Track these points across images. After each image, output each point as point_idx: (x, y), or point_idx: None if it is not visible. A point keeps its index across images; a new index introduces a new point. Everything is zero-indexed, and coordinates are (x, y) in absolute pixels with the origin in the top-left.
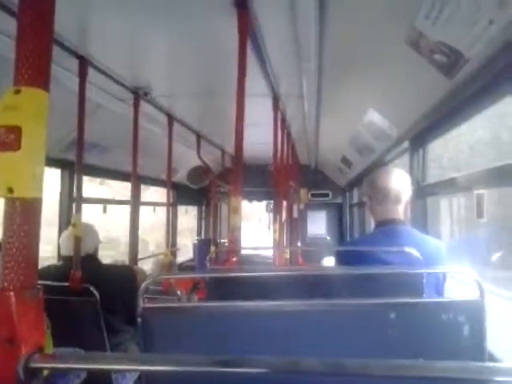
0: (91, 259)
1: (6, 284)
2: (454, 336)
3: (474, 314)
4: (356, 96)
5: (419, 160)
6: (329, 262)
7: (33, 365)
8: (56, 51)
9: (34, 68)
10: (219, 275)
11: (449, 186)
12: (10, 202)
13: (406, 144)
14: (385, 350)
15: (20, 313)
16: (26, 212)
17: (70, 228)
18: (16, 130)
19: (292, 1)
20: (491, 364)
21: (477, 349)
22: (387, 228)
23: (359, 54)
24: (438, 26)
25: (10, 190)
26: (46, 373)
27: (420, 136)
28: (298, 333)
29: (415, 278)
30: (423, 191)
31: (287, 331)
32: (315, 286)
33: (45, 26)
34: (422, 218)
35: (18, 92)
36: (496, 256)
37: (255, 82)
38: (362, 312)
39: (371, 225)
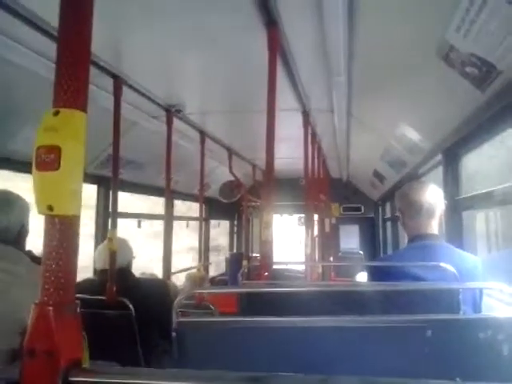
0: (125, 273)
1: (45, 298)
2: (493, 355)
3: None
4: (387, 109)
5: (453, 173)
6: (362, 277)
7: (72, 378)
8: (92, 71)
9: (72, 89)
10: (251, 290)
11: (484, 199)
12: (50, 220)
13: (439, 157)
14: (420, 369)
15: (59, 327)
16: (64, 229)
17: (104, 242)
18: (55, 150)
19: (321, 16)
20: None
21: None
22: (421, 243)
23: (389, 67)
24: (470, 38)
25: (50, 208)
26: None
27: (453, 149)
28: (330, 349)
29: (451, 294)
30: (458, 205)
31: (319, 347)
32: (348, 301)
33: (83, 49)
34: (457, 232)
35: (57, 113)
36: None
37: (285, 97)
38: (396, 329)
39: (405, 240)
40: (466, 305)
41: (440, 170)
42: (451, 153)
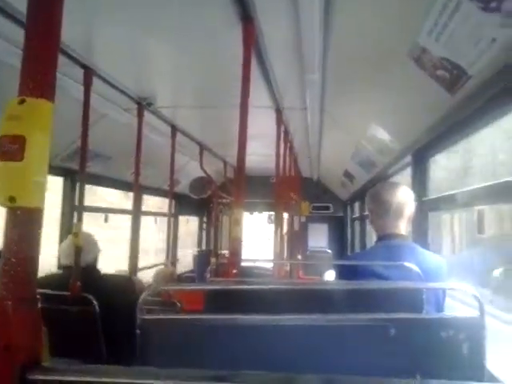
0: (91, 269)
1: (4, 293)
2: (454, 353)
3: (474, 331)
4: (359, 109)
5: (421, 174)
6: (330, 275)
7: (29, 376)
8: (61, 60)
9: (39, 78)
10: (219, 287)
11: (450, 201)
12: (11, 212)
13: (408, 158)
14: (383, 366)
15: (17, 322)
16: (27, 221)
17: (69, 237)
18: (20, 140)
19: (296, 14)
20: None
21: (476, 367)
22: (388, 243)
23: (362, 67)
24: (441, 42)
25: (12, 200)
26: None
27: (422, 150)
28: (295, 347)
29: (415, 293)
30: (425, 206)
31: (285, 345)
32: (314, 300)
33: (51, 36)
34: (423, 233)
35: (22, 102)
36: (497, 272)
37: (259, 94)
38: (361, 327)
39: (372, 239)
40: (429, 304)
41: (408, 171)
42: (420, 154)
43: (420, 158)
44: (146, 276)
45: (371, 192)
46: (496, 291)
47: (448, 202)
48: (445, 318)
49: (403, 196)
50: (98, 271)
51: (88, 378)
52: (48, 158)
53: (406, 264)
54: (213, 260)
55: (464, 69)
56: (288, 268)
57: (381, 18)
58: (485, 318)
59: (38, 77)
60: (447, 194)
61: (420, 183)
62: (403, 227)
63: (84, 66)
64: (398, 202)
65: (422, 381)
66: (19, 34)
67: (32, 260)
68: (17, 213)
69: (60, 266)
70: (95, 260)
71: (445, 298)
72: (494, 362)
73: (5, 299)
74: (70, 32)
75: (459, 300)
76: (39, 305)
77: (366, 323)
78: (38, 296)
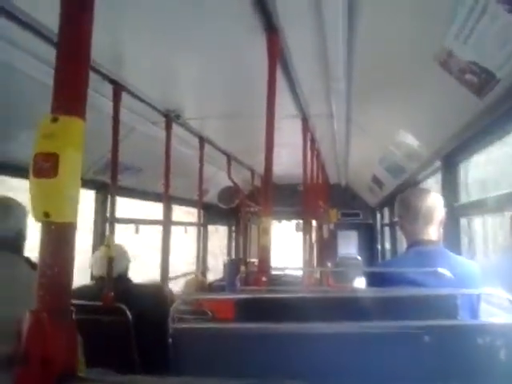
0: (123, 279)
1: (40, 305)
2: (491, 361)
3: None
4: (386, 115)
5: (451, 179)
6: (360, 283)
7: None
8: (91, 77)
9: (71, 96)
10: (249, 296)
11: (482, 206)
12: (46, 226)
13: (437, 163)
14: (418, 374)
15: (53, 333)
16: (60, 236)
17: (101, 248)
18: (53, 158)
19: (321, 23)
20: None
21: None
22: (419, 249)
23: (388, 73)
24: (468, 46)
25: (47, 215)
26: None
27: (452, 155)
28: (326, 356)
29: (448, 299)
30: (456, 211)
31: (316, 354)
32: (345, 307)
33: (82, 55)
34: (455, 238)
35: (55, 120)
36: None
37: (285, 103)
38: (394, 335)
39: (403, 246)
40: (463, 310)
41: (438, 176)
42: (450, 159)
43: (449, 163)
44: (176, 286)
45: (400, 198)
46: None
47: (479, 207)
48: (480, 324)
49: (432, 201)
50: (129, 281)
51: None
52: (80, 173)
53: (440, 270)
54: (242, 268)
55: (492, 72)
56: (318, 276)
57: (406, 23)
58: None
59: (70, 95)
60: (478, 199)
61: (450, 188)
62: (434, 233)
63: (113, 82)
64: (426, 208)
65: None
66: (51, 53)
67: (66, 273)
68: (51, 227)
69: (92, 278)
70: (126, 270)
71: (479, 304)
72: None
73: (41, 311)
74: (99, 48)
75: (497, 305)
76: (74, 316)
77: (398, 331)
78: (72, 308)
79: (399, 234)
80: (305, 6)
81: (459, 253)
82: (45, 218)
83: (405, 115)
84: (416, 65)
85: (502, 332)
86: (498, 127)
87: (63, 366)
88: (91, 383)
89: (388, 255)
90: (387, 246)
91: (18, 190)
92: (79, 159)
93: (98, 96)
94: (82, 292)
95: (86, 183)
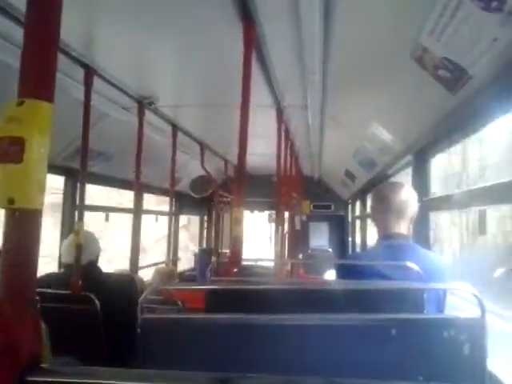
0: (92, 267)
1: (3, 294)
2: (455, 354)
3: (475, 332)
4: (360, 109)
5: (422, 174)
6: (331, 275)
7: (29, 378)
8: (61, 60)
9: (38, 79)
10: (219, 287)
11: (451, 201)
12: (11, 213)
13: (409, 158)
14: (385, 367)
15: (17, 323)
16: (26, 223)
17: (71, 236)
18: (19, 142)
19: (297, 14)
20: None
21: (477, 368)
22: (389, 242)
23: (364, 67)
24: (443, 42)
25: (11, 201)
26: None
27: (423, 150)
28: (296, 347)
29: (416, 293)
30: (426, 206)
31: (286, 345)
32: (315, 299)
33: (51, 36)
34: (425, 233)
35: (21, 104)
36: (499, 272)
37: (260, 93)
38: (362, 327)
39: (373, 238)
40: (430, 304)
41: (408, 170)
42: (421, 154)
43: (421, 158)
44: (146, 275)
45: (375, 190)
46: (497, 293)
47: (449, 202)
48: (446, 318)
49: (405, 196)
50: (99, 270)
51: (88, 380)
52: (47, 159)
53: (408, 264)
54: (214, 259)
55: (465, 69)
56: (289, 267)
57: (382, 18)
58: (486, 318)
59: (38, 78)
60: (448, 194)
61: (421, 183)
62: (405, 227)
63: (84, 66)
64: (399, 202)
65: (424, 382)
66: (19, 33)
67: (31, 261)
68: (16, 214)
69: (61, 265)
70: (96, 258)
71: (445, 298)
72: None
73: (4, 300)
74: (70, 31)
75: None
76: (39, 305)
77: (367, 323)
78: (37, 297)
79: (370, 226)
80: None
81: (428, 247)
82: (9, 204)
83: (379, 109)
84: (392, 59)
85: (467, 326)
86: (470, 123)
87: (27, 356)
88: (56, 374)
89: (358, 248)
90: (357, 238)
91: None
92: (46, 144)
93: (69, 80)
94: (50, 279)
95: (56, 169)
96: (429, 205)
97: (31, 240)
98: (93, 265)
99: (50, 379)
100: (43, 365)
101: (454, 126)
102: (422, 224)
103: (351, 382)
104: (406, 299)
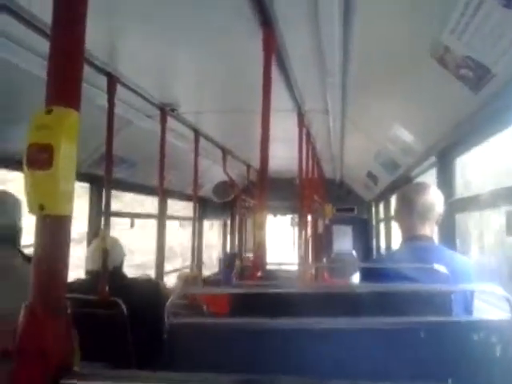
0: (117, 273)
1: (35, 299)
2: (485, 357)
3: (506, 333)
4: (381, 110)
5: (446, 175)
6: (355, 278)
7: (62, 382)
8: (85, 69)
9: (65, 88)
10: (243, 291)
11: (478, 202)
12: (41, 219)
13: (432, 159)
14: (413, 371)
15: (49, 328)
16: (56, 229)
17: (95, 242)
18: (48, 149)
19: (316, 17)
20: None
21: (509, 371)
22: (414, 244)
23: (384, 68)
24: (464, 41)
25: (42, 207)
26: None
27: (447, 150)
28: (323, 351)
29: (443, 295)
30: (451, 207)
31: (311, 349)
32: (341, 303)
33: (76, 47)
34: (450, 234)
35: (49, 112)
36: None
37: (280, 97)
38: (389, 331)
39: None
40: (457, 306)
41: (434, 172)
42: (445, 155)
43: (445, 159)
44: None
45: (399, 193)
46: None
47: (475, 203)
48: (475, 320)
49: (431, 198)
50: (124, 275)
51: (119, 383)
52: (75, 165)
53: (435, 266)
54: (238, 263)
55: (487, 67)
56: (313, 271)
57: (402, 18)
58: None
59: (64, 86)
60: (474, 194)
61: (445, 184)
62: (429, 229)
63: (107, 74)
64: (425, 205)
65: None
66: (44, 45)
67: (62, 266)
68: (46, 221)
69: (86, 272)
70: (121, 264)
71: (473, 300)
72: None
73: (36, 305)
74: (93, 40)
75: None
76: (69, 310)
77: (394, 327)
78: (68, 301)
79: (394, 229)
80: (301, 1)
81: (454, 249)
82: (40, 210)
83: (400, 110)
84: (412, 60)
85: (498, 328)
86: (493, 122)
87: (59, 360)
88: (88, 377)
89: (383, 251)
90: (382, 241)
91: (13, 182)
92: (74, 151)
93: (93, 88)
94: (76, 286)
95: (81, 176)
96: (454, 206)
97: (61, 246)
98: (118, 270)
99: (83, 383)
100: (75, 369)
101: (477, 125)
102: (447, 226)
103: None
104: (434, 301)
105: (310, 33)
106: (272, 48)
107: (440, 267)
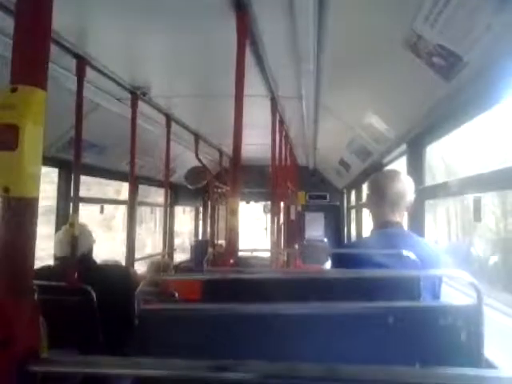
0: (86, 259)
1: (0, 286)
2: (452, 341)
3: (472, 318)
4: (354, 98)
5: (416, 163)
6: (326, 264)
7: (29, 369)
8: (54, 50)
9: (31, 66)
10: (216, 277)
11: (446, 189)
12: (6, 202)
13: (403, 147)
14: (382, 354)
15: (15, 314)
16: (22, 212)
17: (64, 228)
18: (13, 129)
19: (291, 3)
20: (489, 370)
21: (474, 355)
22: (384, 231)
23: (358, 56)
24: (437, 29)
25: (6, 190)
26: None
27: (418, 139)
28: (293, 336)
29: (412, 281)
30: (420, 194)
31: (283, 334)
32: (312, 288)
33: (43, 25)
34: (420, 221)
35: (14, 90)
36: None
37: (254, 83)
38: (359, 316)
39: (368, 228)
40: (425, 291)
41: (404, 159)
42: (415, 143)
43: (415, 146)
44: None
45: (371, 179)
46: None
47: (444, 190)
48: (443, 305)
49: (402, 187)
50: (93, 261)
51: (88, 369)
52: (42, 147)
53: (404, 252)
54: (210, 250)
55: (460, 55)
56: (285, 257)
57: (376, 5)
58: (483, 305)
59: (30, 65)
60: (443, 181)
61: (415, 171)
62: (399, 215)
63: (77, 56)
64: (394, 192)
65: (421, 368)
66: (10, 23)
67: (28, 251)
68: (11, 203)
69: (55, 258)
70: (90, 250)
71: (441, 286)
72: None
73: (2, 291)
74: (62, 21)
75: (450, 285)
76: (36, 296)
77: (363, 311)
78: (35, 287)
79: (364, 216)
80: None
81: (423, 235)
82: (4, 193)
83: (373, 98)
84: (385, 48)
85: (464, 313)
86: (464, 111)
87: (26, 346)
88: (55, 364)
89: (353, 237)
90: (353, 228)
91: None
92: (40, 132)
93: (62, 70)
94: (44, 273)
95: (49, 160)
96: (424, 193)
97: (28, 229)
98: (87, 257)
99: (51, 369)
100: (43, 355)
101: (448, 113)
102: (417, 213)
103: (349, 368)
104: (402, 287)
105: (284, 18)
106: (245, 32)
107: (409, 253)
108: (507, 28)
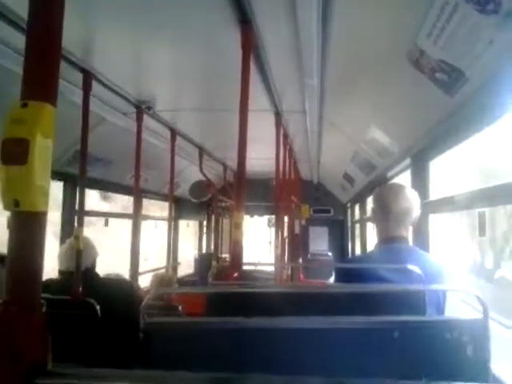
0: (90, 273)
1: (9, 297)
2: (458, 356)
3: (478, 333)
4: (358, 112)
5: (421, 176)
6: (331, 279)
7: (36, 382)
8: (61, 64)
9: (41, 82)
10: (220, 291)
11: (451, 203)
12: (16, 216)
13: (407, 161)
14: (388, 369)
15: (23, 327)
16: (31, 225)
17: (67, 242)
18: (23, 144)
19: (295, 18)
20: None
21: (481, 369)
22: (389, 246)
23: (361, 70)
24: (439, 45)
25: (16, 203)
26: None
27: (422, 153)
28: (298, 350)
29: (417, 296)
30: (425, 208)
31: (287, 349)
32: (316, 303)
33: (52, 42)
34: (424, 235)
35: (25, 105)
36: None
37: (258, 97)
38: (364, 330)
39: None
40: (430, 306)
41: (408, 173)
42: (419, 157)
43: (419, 161)
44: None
45: (375, 193)
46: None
47: (449, 205)
48: (448, 320)
49: (406, 199)
50: (97, 275)
51: (94, 382)
52: (51, 162)
53: (409, 266)
54: (214, 264)
55: (462, 71)
56: (289, 271)
57: (379, 21)
58: (488, 319)
59: (40, 81)
60: (448, 196)
61: (420, 185)
62: (404, 230)
63: (83, 70)
64: (400, 207)
65: (427, 383)
66: (20, 40)
67: (36, 263)
68: (21, 216)
69: (59, 272)
70: (94, 264)
71: (445, 300)
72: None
73: (10, 303)
74: (70, 36)
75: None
76: (44, 309)
77: (369, 326)
78: (42, 301)
79: (369, 230)
80: (279, 0)
81: (427, 250)
82: (15, 206)
83: (377, 113)
84: (388, 63)
85: (469, 328)
86: (468, 125)
87: (34, 360)
88: (62, 377)
89: (358, 252)
90: (357, 242)
91: None
92: (50, 146)
93: (68, 85)
94: (49, 286)
95: (54, 174)
96: (428, 207)
97: (36, 242)
98: (90, 270)
99: (58, 382)
100: (49, 368)
101: (451, 128)
102: (421, 227)
103: (355, 382)
104: (407, 302)
105: (288, 32)
106: (250, 46)
107: (414, 268)
108: (509, 44)
